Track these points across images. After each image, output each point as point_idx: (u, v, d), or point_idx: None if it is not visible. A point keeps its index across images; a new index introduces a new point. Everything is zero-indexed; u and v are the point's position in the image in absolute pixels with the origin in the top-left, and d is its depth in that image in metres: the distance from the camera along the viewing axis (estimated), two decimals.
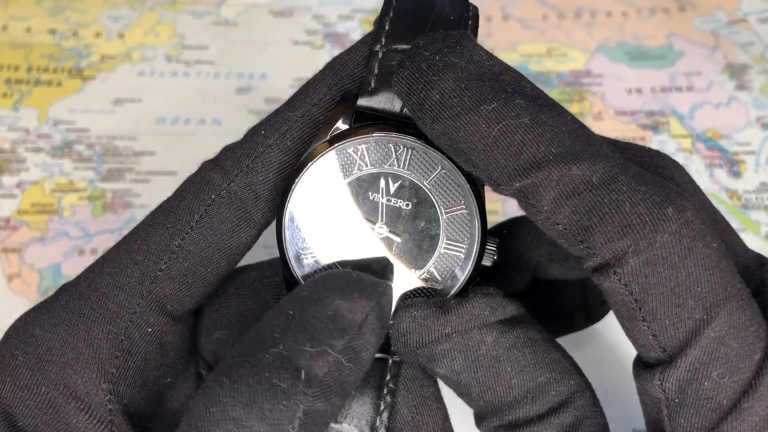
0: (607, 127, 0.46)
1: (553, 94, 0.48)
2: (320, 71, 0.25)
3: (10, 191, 0.43)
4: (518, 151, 0.20)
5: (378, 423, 0.22)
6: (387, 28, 0.23)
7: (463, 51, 0.21)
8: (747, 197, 0.43)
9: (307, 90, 0.25)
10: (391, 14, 0.24)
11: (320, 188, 0.23)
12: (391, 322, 0.23)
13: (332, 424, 0.22)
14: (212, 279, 0.24)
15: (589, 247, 0.19)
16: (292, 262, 0.24)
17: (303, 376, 0.19)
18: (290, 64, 0.49)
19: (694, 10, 0.52)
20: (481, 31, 0.51)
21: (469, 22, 0.24)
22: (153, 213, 0.25)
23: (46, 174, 0.44)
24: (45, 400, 0.22)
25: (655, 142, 0.46)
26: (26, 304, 0.39)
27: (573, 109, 0.47)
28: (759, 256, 0.23)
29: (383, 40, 0.23)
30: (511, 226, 0.29)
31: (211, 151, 0.45)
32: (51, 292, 0.39)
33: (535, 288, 0.30)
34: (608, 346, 0.39)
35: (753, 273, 0.22)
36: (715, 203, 0.43)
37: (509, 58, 0.50)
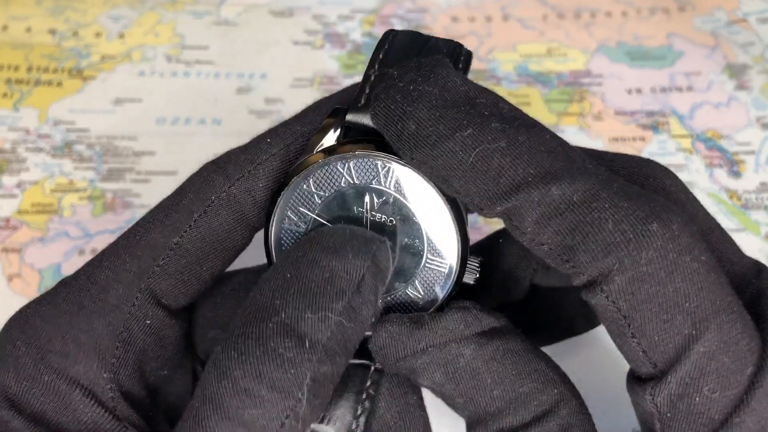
0: (606, 127, 0.46)
1: (553, 94, 0.48)
2: (336, 92, 0.26)
3: (11, 191, 0.43)
4: (497, 176, 0.20)
5: (354, 426, 0.22)
6: (381, 57, 0.24)
7: (437, 78, 0.21)
8: (747, 197, 0.43)
9: (318, 107, 0.25)
10: (386, 46, 0.24)
11: (307, 200, 0.24)
12: (368, 334, 0.23)
13: (311, 425, 0.22)
14: (207, 277, 0.25)
15: (575, 266, 0.19)
16: None
17: (307, 344, 0.19)
18: (290, 64, 0.49)
19: (694, 10, 0.52)
20: (481, 31, 0.51)
21: (461, 57, 0.25)
22: (152, 211, 0.25)
23: (46, 174, 0.44)
24: (50, 389, 0.23)
25: (654, 142, 0.46)
26: None
27: (573, 109, 0.47)
28: (756, 264, 0.23)
29: (376, 66, 0.24)
30: (507, 234, 0.29)
31: (211, 150, 0.46)
32: None
33: (536, 294, 0.30)
34: (608, 348, 0.39)
35: (749, 282, 0.22)
36: (714, 203, 0.43)
37: (509, 58, 0.50)
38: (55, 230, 0.42)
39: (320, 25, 0.51)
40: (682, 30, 0.51)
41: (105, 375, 0.23)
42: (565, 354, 0.38)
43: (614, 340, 0.20)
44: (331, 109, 0.25)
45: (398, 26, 0.51)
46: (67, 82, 0.47)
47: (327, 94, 0.47)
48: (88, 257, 0.41)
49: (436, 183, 0.22)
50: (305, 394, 0.19)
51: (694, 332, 0.18)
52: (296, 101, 0.47)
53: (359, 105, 0.23)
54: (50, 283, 0.40)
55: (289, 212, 0.24)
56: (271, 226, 0.24)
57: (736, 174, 0.44)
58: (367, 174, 0.23)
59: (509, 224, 0.20)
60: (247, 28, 0.51)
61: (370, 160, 0.23)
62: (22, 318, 0.24)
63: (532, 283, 0.29)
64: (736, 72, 0.48)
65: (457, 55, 0.25)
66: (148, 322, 0.24)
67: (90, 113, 0.46)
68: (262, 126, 0.46)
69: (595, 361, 0.38)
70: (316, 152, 0.24)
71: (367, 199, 0.23)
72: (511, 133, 0.20)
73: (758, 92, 0.47)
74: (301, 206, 0.24)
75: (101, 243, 0.42)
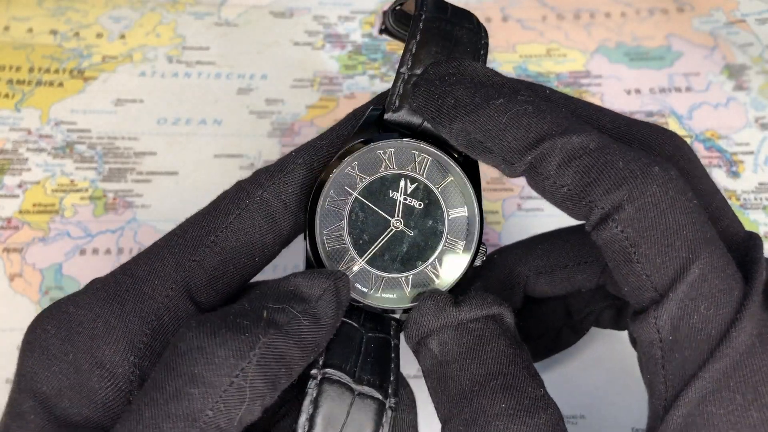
0: None
1: None
2: (347, 114, 0.29)
3: (12, 191, 0.43)
4: (526, 132, 0.23)
5: (390, 390, 0.25)
6: (414, 51, 0.27)
7: (467, 69, 0.25)
8: (746, 197, 0.44)
9: (335, 127, 0.29)
10: (418, 38, 0.27)
11: (351, 180, 0.27)
12: (411, 305, 0.26)
13: (354, 385, 0.24)
14: (237, 278, 0.27)
15: (591, 201, 0.23)
16: (317, 243, 0.27)
17: (263, 320, 0.22)
18: (291, 65, 0.49)
19: (693, 10, 0.52)
20: None
21: (482, 52, 0.28)
22: (190, 217, 0.27)
23: (47, 174, 0.44)
24: (71, 366, 0.24)
25: None
26: (28, 303, 0.40)
27: None
28: (749, 232, 0.25)
29: (409, 63, 0.27)
30: (501, 250, 0.33)
31: (212, 151, 0.46)
32: (52, 292, 0.40)
33: (525, 308, 0.33)
34: (607, 347, 0.39)
35: (741, 241, 0.25)
36: None
37: (508, 58, 0.50)
38: (57, 230, 0.42)
39: (320, 26, 0.51)
40: (680, 30, 0.51)
41: (131, 359, 0.24)
42: (567, 355, 0.38)
43: (619, 273, 0.23)
44: (344, 126, 0.28)
45: None
46: (69, 83, 0.48)
47: (327, 95, 0.48)
48: (89, 257, 0.41)
49: (471, 151, 0.25)
50: (257, 356, 0.21)
51: (690, 256, 0.21)
52: (296, 102, 0.48)
53: (393, 108, 0.27)
54: (51, 283, 0.40)
55: (332, 191, 0.27)
56: (319, 199, 0.27)
57: (735, 174, 0.45)
58: (404, 162, 0.27)
59: (534, 173, 0.24)
60: (247, 28, 0.51)
61: (408, 149, 0.27)
62: (55, 307, 0.25)
63: (525, 294, 0.32)
64: (735, 72, 0.49)
65: (479, 48, 0.28)
66: (180, 314, 0.25)
67: (91, 114, 0.46)
68: (263, 126, 0.47)
69: (595, 358, 0.38)
70: (364, 138, 0.27)
71: (402, 184, 0.27)
72: (535, 102, 0.24)
73: (757, 92, 0.48)
74: (346, 185, 0.27)
75: (102, 243, 0.42)
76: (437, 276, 0.27)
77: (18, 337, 0.39)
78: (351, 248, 0.27)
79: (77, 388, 0.23)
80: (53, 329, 0.24)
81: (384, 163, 0.27)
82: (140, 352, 0.24)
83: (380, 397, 0.24)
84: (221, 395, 0.21)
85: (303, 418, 0.23)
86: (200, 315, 0.23)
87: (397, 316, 0.27)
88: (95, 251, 0.41)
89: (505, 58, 0.50)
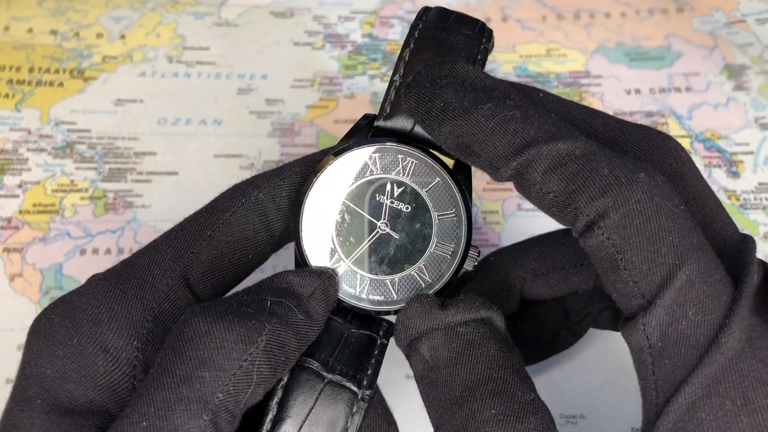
0: None
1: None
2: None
3: (12, 191, 0.43)
4: (512, 137, 0.23)
5: (365, 382, 0.25)
6: (407, 59, 0.27)
7: (459, 71, 0.26)
8: (745, 197, 0.44)
9: (332, 146, 0.29)
10: (411, 46, 0.27)
11: (337, 184, 0.27)
12: (399, 307, 0.26)
13: (324, 373, 0.25)
14: (231, 273, 0.28)
15: (576, 208, 0.22)
16: (303, 243, 0.27)
17: (267, 309, 0.23)
18: (291, 65, 0.49)
19: (693, 10, 0.52)
20: None
21: (479, 57, 0.28)
22: (188, 216, 0.28)
23: (47, 174, 0.44)
24: (75, 350, 0.24)
25: None
26: (28, 303, 0.40)
27: None
28: (744, 234, 0.25)
29: (402, 70, 0.27)
30: (496, 253, 0.33)
31: (212, 151, 0.46)
32: (53, 292, 0.40)
33: (522, 310, 0.33)
34: (607, 347, 0.39)
35: (734, 244, 0.25)
36: None
37: (508, 58, 0.50)
38: (57, 230, 0.42)
39: (320, 26, 0.51)
40: (680, 31, 0.51)
41: (135, 343, 0.24)
42: (566, 356, 0.38)
43: (607, 280, 0.23)
44: (339, 144, 0.27)
45: (397, 27, 0.52)
46: (69, 83, 0.48)
47: (327, 95, 0.48)
48: (89, 257, 0.41)
49: (459, 154, 0.25)
50: (264, 341, 0.22)
51: (676, 262, 0.21)
52: (296, 102, 0.48)
53: (384, 114, 0.27)
54: (51, 283, 0.40)
55: (319, 194, 0.27)
56: (304, 202, 0.27)
57: (735, 174, 0.45)
58: (390, 165, 0.27)
59: (520, 179, 0.24)
60: (247, 28, 0.51)
61: (394, 153, 0.27)
62: (59, 299, 0.26)
63: (521, 296, 0.32)
64: (735, 72, 0.49)
65: (474, 55, 0.28)
66: (179, 302, 0.26)
67: (91, 114, 0.46)
68: (263, 126, 0.47)
69: (594, 358, 0.38)
70: (350, 143, 0.27)
71: (388, 187, 0.27)
72: (523, 107, 0.24)
73: (756, 92, 0.48)
74: (332, 189, 0.27)
75: (102, 243, 0.42)
76: (425, 279, 0.27)
77: (18, 337, 0.39)
78: (338, 249, 0.27)
79: (82, 371, 0.24)
80: (57, 317, 0.25)
81: (369, 168, 0.27)
82: (143, 338, 0.25)
83: (352, 386, 0.25)
84: (231, 379, 0.21)
85: (273, 402, 0.24)
86: (200, 304, 0.24)
87: (391, 318, 0.27)
88: (95, 251, 0.41)
89: (505, 58, 0.50)
